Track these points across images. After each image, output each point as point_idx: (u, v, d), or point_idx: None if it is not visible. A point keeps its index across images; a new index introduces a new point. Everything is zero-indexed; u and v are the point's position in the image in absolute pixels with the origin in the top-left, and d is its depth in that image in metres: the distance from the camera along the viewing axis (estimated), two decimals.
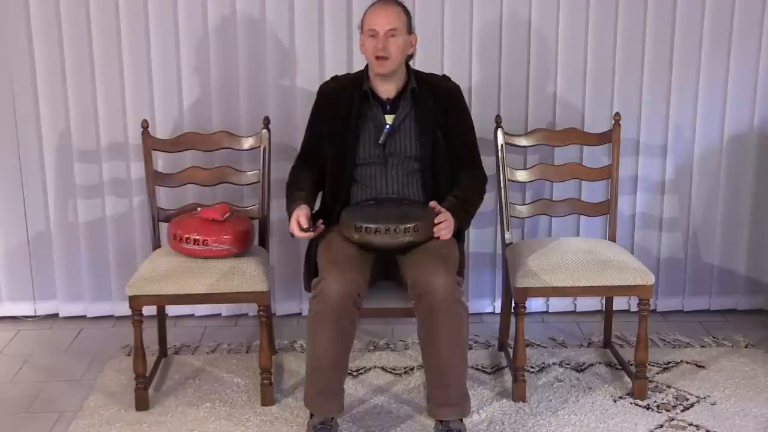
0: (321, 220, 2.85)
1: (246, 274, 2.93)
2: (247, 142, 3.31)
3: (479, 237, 3.73)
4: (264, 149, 3.26)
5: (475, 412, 2.94)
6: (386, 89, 2.93)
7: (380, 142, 2.91)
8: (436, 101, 2.95)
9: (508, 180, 3.27)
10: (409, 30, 2.92)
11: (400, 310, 2.86)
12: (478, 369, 3.24)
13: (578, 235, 3.71)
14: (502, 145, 3.25)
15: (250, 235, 3.10)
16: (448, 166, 2.98)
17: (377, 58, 2.84)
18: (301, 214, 2.81)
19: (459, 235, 2.95)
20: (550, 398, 3.05)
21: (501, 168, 3.27)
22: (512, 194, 3.46)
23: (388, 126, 2.91)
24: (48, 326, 3.70)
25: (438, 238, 2.79)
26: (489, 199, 3.33)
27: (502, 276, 3.42)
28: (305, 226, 2.79)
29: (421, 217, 2.79)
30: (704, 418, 2.93)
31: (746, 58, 3.60)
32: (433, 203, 2.86)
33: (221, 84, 3.54)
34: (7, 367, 3.33)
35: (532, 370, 3.24)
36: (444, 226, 2.78)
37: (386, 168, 2.94)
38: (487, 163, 3.19)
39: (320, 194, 3.05)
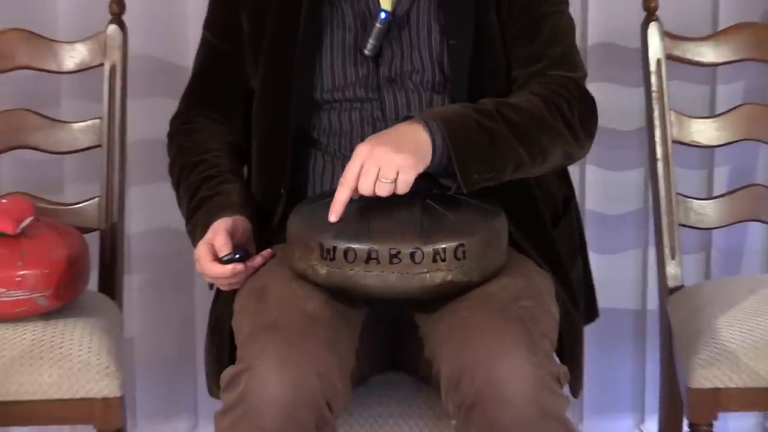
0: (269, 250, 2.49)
1: (70, 359, 2.61)
2: (73, 58, 2.91)
3: (607, 268, 3.23)
4: (112, 70, 2.87)
5: None
6: None
7: (366, 51, 2.48)
8: None
9: (673, 141, 2.76)
10: None
11: None
12: None
13: None
14: (659, 61, 2.79)
15: (81, 269, 2.68)
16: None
17: None
18: (220, 229, 2.44)
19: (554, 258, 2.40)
20: None
21: (656, 112, 2.81)
22: (682, 173, 2.91)
23: (383, 14, 2.55)
24: None
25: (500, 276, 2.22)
26: (632, 184, 2.99)
27: (660, 360, 2.97)
28: (224, 252, 2.41)
29: (473, 228, 2.30)
30: None
31: None
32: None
33: None
34: None
35: None
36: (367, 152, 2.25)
37: (383, 110, 2.49)
38: (624, 100, 2.87)
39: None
